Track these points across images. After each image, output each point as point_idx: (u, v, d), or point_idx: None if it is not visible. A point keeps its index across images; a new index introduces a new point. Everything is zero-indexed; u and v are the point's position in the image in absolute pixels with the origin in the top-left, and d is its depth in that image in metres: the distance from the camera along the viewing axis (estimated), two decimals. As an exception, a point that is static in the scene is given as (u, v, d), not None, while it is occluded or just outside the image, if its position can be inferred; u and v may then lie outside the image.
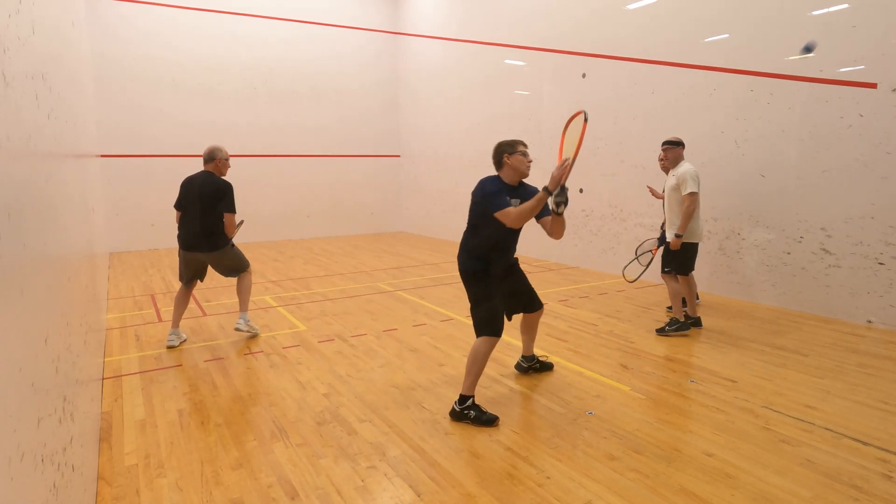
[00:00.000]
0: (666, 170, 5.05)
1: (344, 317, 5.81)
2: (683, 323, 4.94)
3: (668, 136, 5.28)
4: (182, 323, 5.62)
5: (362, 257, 9.93)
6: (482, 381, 3.97)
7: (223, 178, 4.88)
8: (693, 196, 4.72)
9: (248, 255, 10.22)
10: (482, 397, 3.67)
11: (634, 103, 7.60)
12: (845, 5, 5.27)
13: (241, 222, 5.05)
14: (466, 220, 3.55)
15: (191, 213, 4.74)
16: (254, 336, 5.12)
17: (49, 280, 1.76)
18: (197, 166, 5.00)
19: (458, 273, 8.00)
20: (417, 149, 13.40)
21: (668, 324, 5.00)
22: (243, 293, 5.05)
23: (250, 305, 6.27)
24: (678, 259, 4.97)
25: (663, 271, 5.11)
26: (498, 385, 3.89)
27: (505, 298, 3.64)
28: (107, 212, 10.25)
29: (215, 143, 5.34)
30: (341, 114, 13.27)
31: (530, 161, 3.45)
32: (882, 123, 5.07)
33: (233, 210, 4.74)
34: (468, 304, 3.54)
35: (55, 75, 2.48)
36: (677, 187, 4.85)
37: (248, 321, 5.09)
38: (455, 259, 4.16)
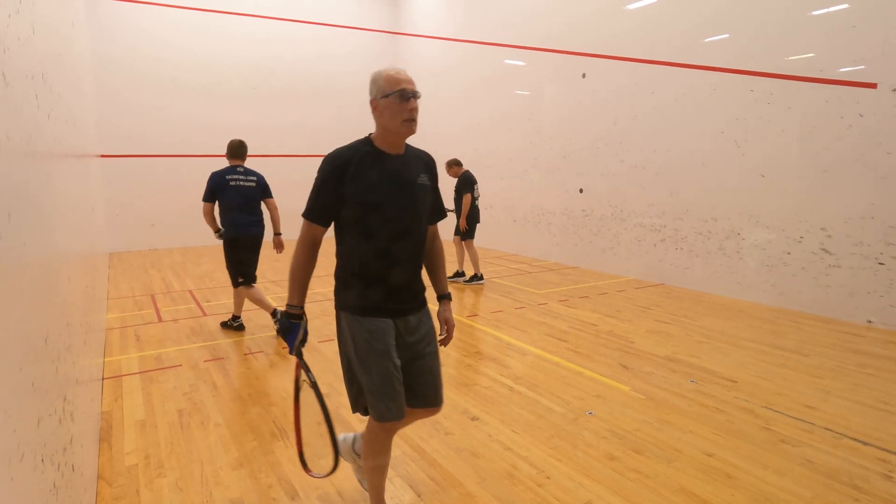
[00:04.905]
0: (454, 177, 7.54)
1: (344, 317, 5.79)
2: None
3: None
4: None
5: (362, 257, 9.91)
6: (480, 379, 3.97)
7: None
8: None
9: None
10: (480, 396, 3.67)
11: (634, 103, 7.60)
12: (845, 5, 5.28)
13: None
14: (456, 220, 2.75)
15: None
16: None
17: (49, 280, 1.76)
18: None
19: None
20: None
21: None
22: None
23: (250, 306, 6.28)
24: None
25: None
26: (498, 385, 3.89)
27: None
28: (107, 212, 10.24)
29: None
30: (341, 113, 13.25)
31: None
32: (882, 123, 5.07)
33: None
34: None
35: (55, 75, 2.48)
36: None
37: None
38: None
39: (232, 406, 3.59)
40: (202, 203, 5.01)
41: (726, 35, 6.37)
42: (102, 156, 10.34)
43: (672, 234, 7.20)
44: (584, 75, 8.39)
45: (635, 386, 3.85)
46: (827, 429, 3.18)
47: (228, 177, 5.00)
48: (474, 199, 7.32)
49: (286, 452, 2.96)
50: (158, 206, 10.97)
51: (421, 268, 2.26)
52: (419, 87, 2.27)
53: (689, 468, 2.75)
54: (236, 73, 11.91)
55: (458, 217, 7.29)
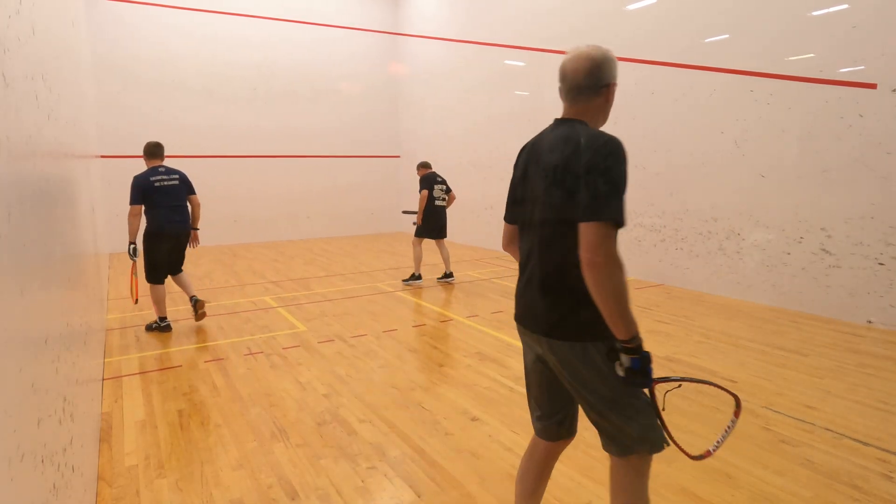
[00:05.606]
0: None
1: (344, 317, 5.81)
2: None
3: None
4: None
5: (362, 258, 9.93)
6: (481, 380, 3.97)
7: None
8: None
9: (247, 254, 10.27)
10: (481, 397, 3.67)
11: (634, 103, 7.60)
12: (845, 5, 5.28)
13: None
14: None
15: None
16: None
17: (49, 280, 1.76)
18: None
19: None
20: (417, 149, 13.39)
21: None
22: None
23: (250, 306, 6.29)
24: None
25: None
26: (498, 386, 3.89)
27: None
28: (107, 212, 10.24)
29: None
30: (341, 114, 13.27)
31: None
32: (882, 123, 5.07)
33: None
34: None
35: (55, 76, 2.48)
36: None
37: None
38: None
39: (232, 406, 3.59)
40: (130, 206, 5.04)
41: (726, 35, 6.37)
42: (102, 156, 10.35)
43: (672, 235, 7.20)
44: (583, 75, 8.39)
45: (635, 386, 3.84)
46: (827, 429, 3.18)
47: (153, 178, 5.10)
48: (433, 198, 7.40)
49: (286, 452, 2.96)
50: (158, 207, 10.97)
51: None
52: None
53: (689, 468, 2.75)
54: (236, 74, 11.92)
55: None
